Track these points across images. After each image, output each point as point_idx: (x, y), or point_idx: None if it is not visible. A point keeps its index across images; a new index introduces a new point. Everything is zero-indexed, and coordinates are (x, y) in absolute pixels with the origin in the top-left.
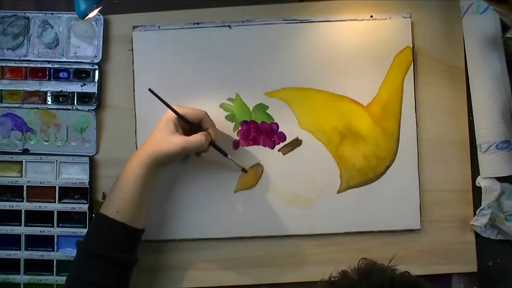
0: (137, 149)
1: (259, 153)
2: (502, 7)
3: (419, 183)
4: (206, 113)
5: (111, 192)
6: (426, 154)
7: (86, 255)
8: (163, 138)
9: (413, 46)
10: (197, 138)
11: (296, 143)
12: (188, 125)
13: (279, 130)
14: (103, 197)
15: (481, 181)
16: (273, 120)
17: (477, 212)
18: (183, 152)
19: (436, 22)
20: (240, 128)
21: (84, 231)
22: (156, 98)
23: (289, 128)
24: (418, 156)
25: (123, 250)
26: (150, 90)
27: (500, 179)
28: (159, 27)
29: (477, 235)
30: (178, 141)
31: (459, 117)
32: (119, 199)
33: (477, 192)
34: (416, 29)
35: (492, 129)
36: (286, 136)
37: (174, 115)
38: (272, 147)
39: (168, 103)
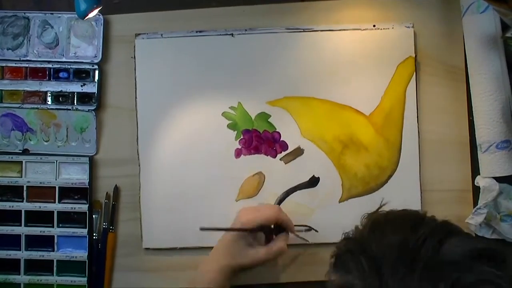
0: (138, 154)
1: (261, 162)
2: (502, 6)
3: (420, 188)
4: (277, 210)
5: None
6: (426, 154)
7: None
8: (242, 252)
9: (416, 56)
10: (278, 246)
11: (298, 152)
12: (264, 232)
13: (281, 139)
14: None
15: (480, 181)
16: (275, 129)
17: (473, 211)
18: (267, 263)
19: (436, 22)
20: (242, 137)
21: (84, 231)
22: None
23: (291, 137)
24: (419, 163)
25: None
26: (201, 228)
27: (499, 179)
28: (161, 35)
29: (477, 235)
30: (260, 254)
31: (459, 117)
32: None
33: (477, 192)
34: (416, 29)
35: (492, 128)
36: (288, 145)
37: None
38: (274, 156)
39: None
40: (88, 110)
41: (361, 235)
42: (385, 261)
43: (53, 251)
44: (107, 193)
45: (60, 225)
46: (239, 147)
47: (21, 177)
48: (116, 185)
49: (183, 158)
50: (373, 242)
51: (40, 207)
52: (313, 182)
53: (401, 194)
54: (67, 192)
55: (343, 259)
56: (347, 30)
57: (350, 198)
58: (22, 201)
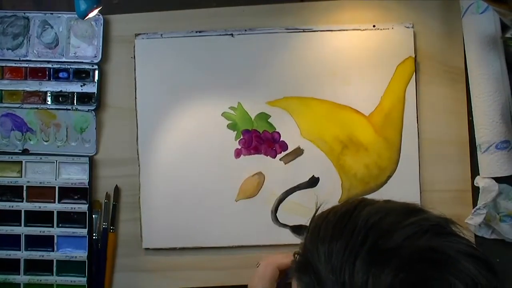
0: (137, 154)
1: (261, 162)
2: (501, 7)
3: (420, 188)
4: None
5: None
6: (425, 154)
7: None
8: None
9: (415, 56)
10: None
11: (298, 152)
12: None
13: (280, 139)
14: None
15: (479, 181)
16: (275, 129)
17: (472, 211)
18: None
19: (436, 22)
20: (241, 137)
21: (84, 231)
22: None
23: (290, 137)
24: (419, 163)
25: None
26: None
27: (498, 180)
28: (161, 35)
29: (477, 235)
30: None
31: (459, 117)
32: None
33: (476, 192)
34: (416, 29)
35: (491, 129)
36: (288, 145)
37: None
38: (274, 156)
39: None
40: (88, 110)
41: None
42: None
43: (53, 251)
44: (107, 193)
45: (60, 225)
46: (239, 147)
47: (21, 177)
48: (116, 185)
49: (183, 158)
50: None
51: (40, 207)
52: (313, 182)
53: (400, 194)
54: (67, 192)
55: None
56: (347, 30)
57: (350, 198)
58: (22, 201)
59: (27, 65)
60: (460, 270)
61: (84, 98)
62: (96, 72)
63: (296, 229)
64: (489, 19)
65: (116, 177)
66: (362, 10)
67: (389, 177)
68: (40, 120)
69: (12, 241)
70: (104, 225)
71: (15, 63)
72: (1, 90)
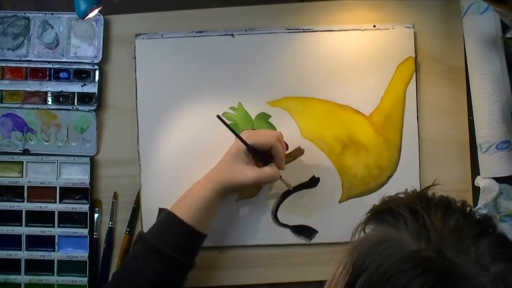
0: (138, 154)
1: None
2: (502, 7)
3: (420, 188)
4: (277, 139)
5: (180, 200)
6: (426, 154)
7: (147, 249)
8: (236, 168)
9: (416, 56)
10: (271, 171)
11: (298, 152)
12: (257, 156)
13: None
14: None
15: (480, 181)
16: (275, 129)
17: None
18: (255, 185)
19: (436, 22)
20: None
21: (85, 231)
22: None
23: (291, 137)
24: (419, 163)
25: (185, 253)
26: (218, 116)
27: (498, 180)
28: (161, 35)
29: None
30: (252, 174)
31: (459, 117)
32: (188, 210)
33: (476, 192)
34: (416, 29)
35: (492, 129)
36: (288, 145)
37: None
38: None
39: (234, 130)
40: (89, 110)
41: (426, 205)
42: (444, 236)
43: (54, 251)
44: (115, 192)
45: (61, 225)
46: None
47: (22, 177)
48: (139, 189)
49: (184, 158)
50: (435, 218)
51: (41, 207)
52: (313, 182)
53: None
54: (68, 192)
55: (400, 215)
56: (347, 30)
57: (350, 198)
58: (23, 201)
59: (27, 65)
60: None
61: (84, 98)
62: (97, 72)
63: (297, 229)
64: (490, 19)
65: (117, 177)
66: (362, 10)
67: (390, 177)
68: (40, 120)
69: (13, 241)
70: (110, 224)
71: (15, 63)
72: (2, 90)
